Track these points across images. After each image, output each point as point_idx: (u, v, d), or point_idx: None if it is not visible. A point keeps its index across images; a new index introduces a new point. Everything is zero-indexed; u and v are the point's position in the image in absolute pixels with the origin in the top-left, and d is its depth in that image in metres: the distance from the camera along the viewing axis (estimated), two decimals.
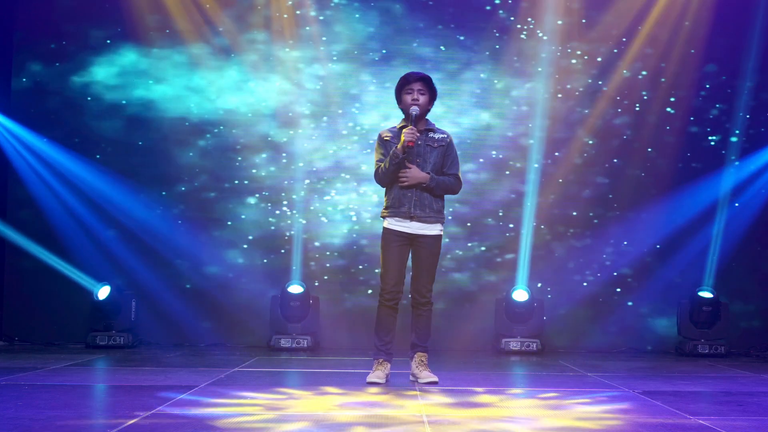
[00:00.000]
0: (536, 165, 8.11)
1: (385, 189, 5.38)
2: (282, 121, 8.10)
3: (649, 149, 8.17)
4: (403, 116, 5.35)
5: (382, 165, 5.25)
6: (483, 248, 8.09)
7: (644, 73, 8.17)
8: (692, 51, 8.13)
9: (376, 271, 7.81)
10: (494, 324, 7.74)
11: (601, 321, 8.00)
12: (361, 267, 8.00)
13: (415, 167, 5.23)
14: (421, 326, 5.32)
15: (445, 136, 5.38)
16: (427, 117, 5.35)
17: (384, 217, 5.33)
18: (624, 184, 8.16)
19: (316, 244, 8.04)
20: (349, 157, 8.10)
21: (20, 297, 7.97)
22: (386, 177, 5.26)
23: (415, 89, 5.25)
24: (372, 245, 7.91)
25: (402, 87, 5.30)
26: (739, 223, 8.07)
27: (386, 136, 5.35)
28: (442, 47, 8.14)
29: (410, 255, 5.33)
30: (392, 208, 5.27)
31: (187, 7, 8.05)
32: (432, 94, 5.32)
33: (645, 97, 8.19)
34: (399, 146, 5.17)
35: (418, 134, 5.21)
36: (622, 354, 7.66)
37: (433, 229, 5.28)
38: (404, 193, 5.25)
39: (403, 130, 5.18)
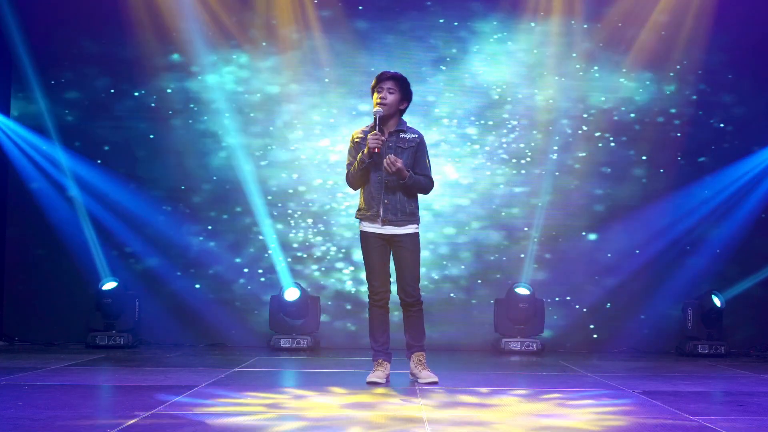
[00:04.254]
0: (534, 165, 8.11)
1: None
2: (285, 125, 8.11)
3: (653, 147, 8.16)
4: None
5: (351, 168, 5.21)
6: (483, 248, 8.08)
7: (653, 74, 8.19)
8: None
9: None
10: (494, 324, 7.73)
11: (602, 321, 8.00)
12: (361, 266, 8.00)
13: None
14: (413, 326, 5.28)
15: (416, 136, 5.26)
16: (402, 117, 5.26)
17: (359, 219, 5.28)
18: (626, 184, 8.16)
19: (317, 243, 8.04)
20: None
21: (20, 297, 7.97)
22: (354, 180, 5.22)
23: (385, 88, 5.16)
24: None
25: (374, 86, 5.22)
26: (740, 223, 8.07)
27: (357, 138, 5.27)
28: (453, 49, 8.16)
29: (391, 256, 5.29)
30: (363, 210, 5.23)
31: (191, 10, 8.07)
32: (404, 94, 5.21)
33: (650, 96, 8.19)
34: (365, 151, 5.10)
35: (384, 138, 5.11)
36: (622, 354, 7.66)
37: (407, 229, 5.22)
38: (372, 195, 5.17)
39: (368, 136, 5.10)
